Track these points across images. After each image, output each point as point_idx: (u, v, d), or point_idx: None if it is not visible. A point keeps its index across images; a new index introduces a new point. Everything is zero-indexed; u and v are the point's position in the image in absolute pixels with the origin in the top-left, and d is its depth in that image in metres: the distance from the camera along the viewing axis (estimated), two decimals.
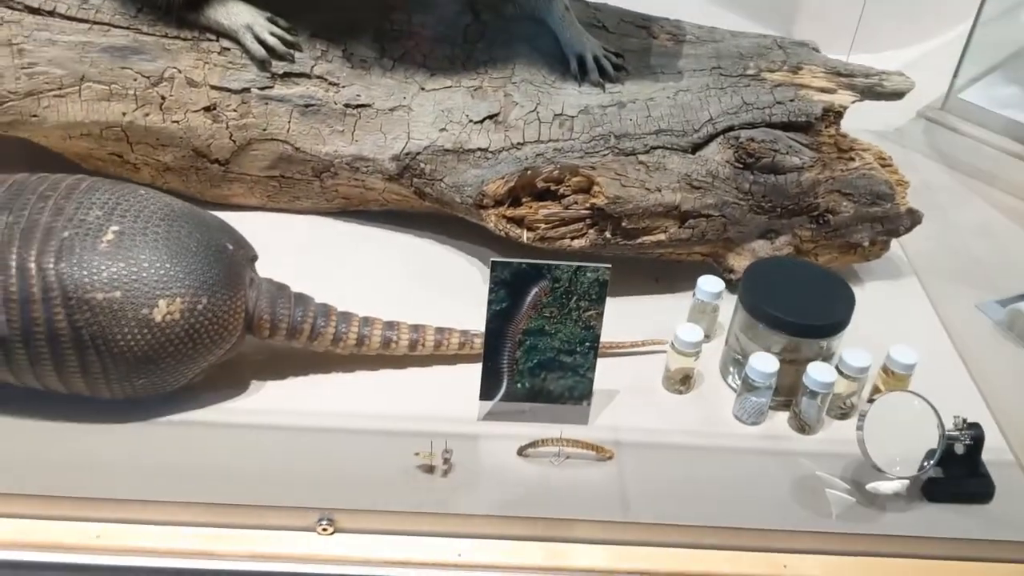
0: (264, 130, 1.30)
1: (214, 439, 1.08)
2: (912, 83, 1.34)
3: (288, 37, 1.28)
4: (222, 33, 1.26)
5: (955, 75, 1.84)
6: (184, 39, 1.27)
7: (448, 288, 1.29)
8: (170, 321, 1.01)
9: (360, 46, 1.32)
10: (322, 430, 1.10)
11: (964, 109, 1.81)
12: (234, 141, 1.30)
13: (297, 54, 1.28)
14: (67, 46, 1.24)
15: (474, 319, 1.13)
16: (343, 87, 1.30)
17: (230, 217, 1.15)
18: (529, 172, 1.23)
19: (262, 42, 1.26)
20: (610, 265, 1.04)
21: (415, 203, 1.35)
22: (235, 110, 1.29)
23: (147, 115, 1.27)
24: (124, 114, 1.27)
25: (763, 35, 1.39)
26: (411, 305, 1.18)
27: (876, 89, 1.33)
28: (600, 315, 1.06)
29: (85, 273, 0.98)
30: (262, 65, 1.27)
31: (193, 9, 1.24)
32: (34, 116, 1.25)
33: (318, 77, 1.30)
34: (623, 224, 1.22)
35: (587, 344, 1.07)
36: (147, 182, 1.35)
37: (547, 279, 1.05)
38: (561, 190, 1.23)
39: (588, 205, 1.22)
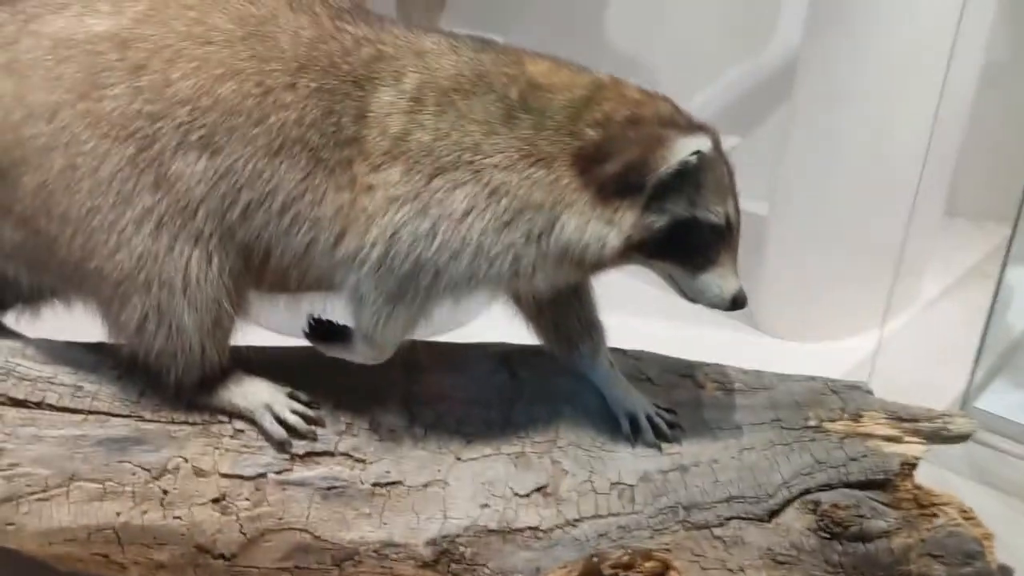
0: (280, 519, 1.13)
1: None
2: (976, 424, 1.27)
3: (310, 413, 1.14)
4: (237, 414, 1.13)
5: (970, 384, 1.80)
6: (192, 424, 1.12)
7: None
8: None
9: (387, 414, 1.19)
10: None
11: (986, 420, 1.75)
12: (244, 534, 1.12)
13: (319, 430, 1.15)
14: (56, 442, 1.08)
15: None
16: (370, 463, 1.16)
17: None
18: (595, 558, 1.09)
19: (282, 421, 1.12)
20: None
21: None
22: (247, 499, 1.12)
23: (144, 513, 1.09)
24: (118, 514, 1.08)
25: (810, 377, 1.32)
26: None
27: (942, 433, 1.24)
28: None
29: None
30: (281, 447, 1.13)
31: (205, 391, 1.11)
32: (10, 524, 1.06)
33: (343, 454, 1.15)
34: None
35: None
36: None
37: None
38: None
39: None
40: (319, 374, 1.20)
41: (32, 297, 1.22)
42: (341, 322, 1.18)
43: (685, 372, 1.30)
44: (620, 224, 1.00)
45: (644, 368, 1.29)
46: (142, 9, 0.99)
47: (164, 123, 0.98)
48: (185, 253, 1.01)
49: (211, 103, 0.98)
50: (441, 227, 1.01)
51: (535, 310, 1.19)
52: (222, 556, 1.15)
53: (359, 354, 1.12)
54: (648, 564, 1.08)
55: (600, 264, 1.05)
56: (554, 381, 1.24)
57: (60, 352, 1.14)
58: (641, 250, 1.02)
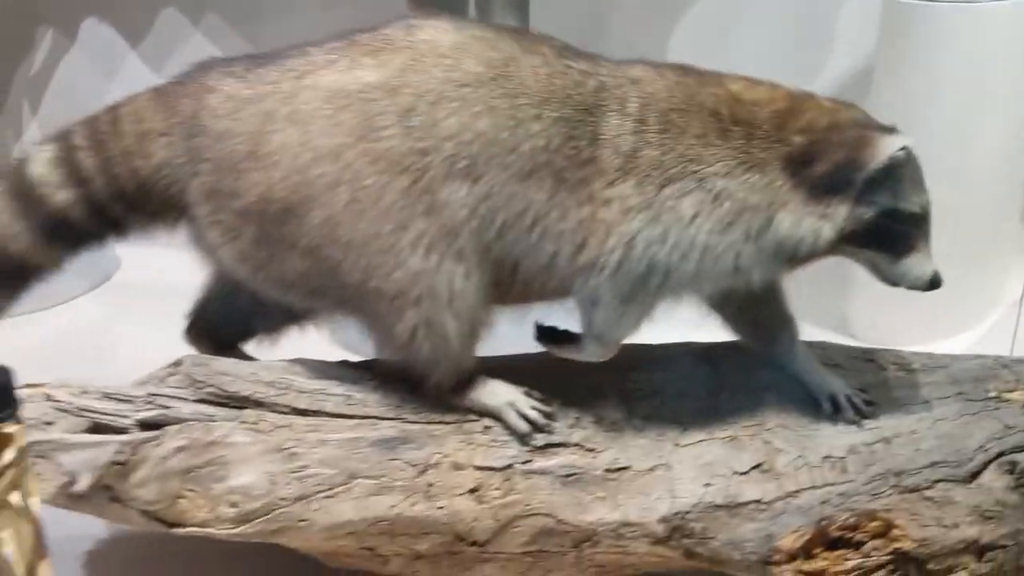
0: (527, 506, 1.26)
1: None
2: None
3: (545, 408, 1.27)
4: (485, 412, 1.26)
5: None
6: (448, 423, 1.26)
7: None
8: None
9: (608, 408, 1.32)
10: None
11: None
12: (497, 520, 1.25)
13: (554, 424, 1.28)
14: (337, 444, 1.22)
15: None
16: (600, 452, 1.28)
17: None
18: (823, 522, 1.20)
19: (524, 417, 1.26)
20: None
21: (676, 564, 1.29)
22: (498, 488, 1.25)
23: (413, 505, 1.23)
24: (392, 507, 1.22)
25: (978, 356, 1.43)
26: None
27: None
28: None
29: None
30: (524, 440, 1.26)
31: (459, 393, 1.25)
32: (303, 520, 1.20)
33: (575, 445, 1.28)
34: (928, 566, 1.18)
35: None
36: (395, 573, 1.29)
37: None
38: (857, 537, 1.19)
39: (891, 550, 1.18)
40: (543, 377, 1.33)
41: (282, 325, 1.37)
42: (561, 327, 1.32)
43: (867, 357, 1.42)
44: (833, 218, 1.13)
45: (831, 356, 1.41)
46: (403, 60, 1.15)
47: (433, 157, 1.13)
48: (451, 270, 1.15)
49: (472, 137, 1.13)
50: (672, 231, 1.14)
51: (735, 309, 1.32)
52: (475, 543, 1.28)
53: (588, 353, 1.25)
54: (872, 524, 1.19)
55: (811, 256, 1.18)
56: (754, 372, 1.36)
57: (322, 368, 1.28)
58: (850, 241, 1.15)
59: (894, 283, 1.20)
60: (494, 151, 1.14)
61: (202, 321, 1.37)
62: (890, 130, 1.17)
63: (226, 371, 1.24)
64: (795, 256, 1.18)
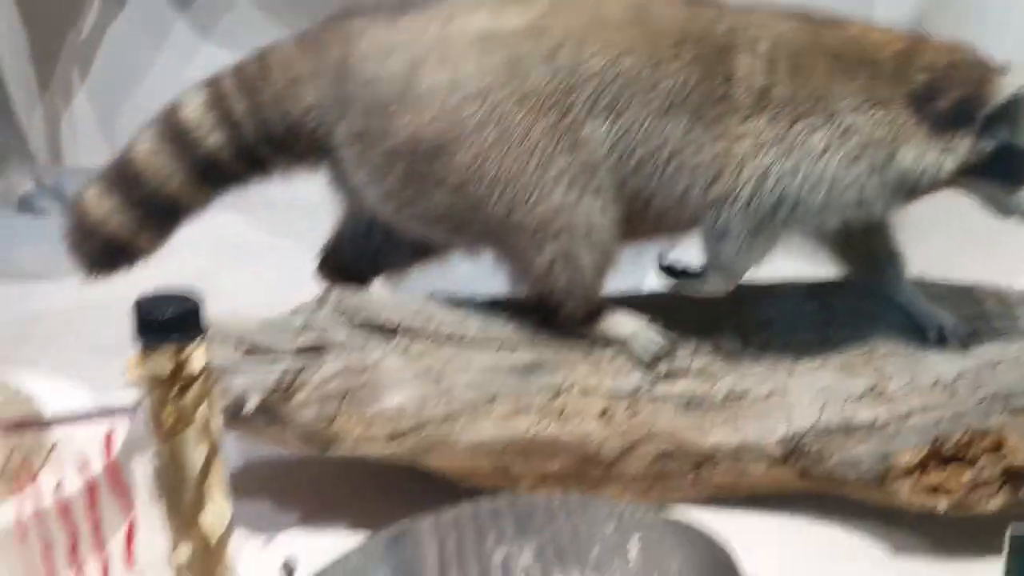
0: (651, 429, 1.34)
1: None
2: None
3: (667, 338, 1.35)
4: (612, 341, 1.34)
5: None
6: (578, 350, 1.34)
7: None
8: None
9: (724, 340, 1.39)
10: None
11: None
12: (623, 443, 1.33)
13: (675, 352, 1.35)
14: (479, 369, 1.30)
15: None
16: (719, 379, 1.36)
17: None
18: (938, 440, 1.27)
19: (648, 345, 1.33)
20: None
21: (790, 485, 1.37)
22: (624, 412, 1.33)
23: (548, 427, 1.31)
24: (528, 429, 1.30)
25: None
26: None
27: None
28: None
29: None
30: (648, 367, 1.34)
31: (589, 323, 1.32)
32: (449, 440, 1.28)
33: (696, 372, 1.36)
34: None
35: None
36: (524, 493, 1.37)
37: None
38: (970, 454, 1.27)
39: (1003, 466, 1.25)
40: (661, 312, 1.40)
41: (410, 263, 1.45)
42: (680, 264, 1.40)
43: (966, 291, 1.49)
44: (955, 151, 1.20)
45: (932, 290, 1.48)
46: (547, 4, 1.22)
47: (577, 95, 1.21)
48: (589, 204, 1.23)
49: (614, 75, 1.21)
50: (803, 165, 1.22)
51: (848, 242, 1.39)
52: (601, 464, 1.36)
53: (711, 285, 1.33)
54: (984, 441, 1.26)
55: (931, 188, 1.25)
56: (862, 304, 1.43)
57: (458, 301, 1.36)
58: (968, 174, 1.22)
59: (1009, 213, 1.26)
60: (635, 89, 1.21)
61: (335, 258, 1.45)
62: (1004, 68, 1.23)
63: (372, 301, 1.32)
64: (916, 188, 1.24)
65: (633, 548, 1.01)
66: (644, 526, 1.04)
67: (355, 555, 1.05)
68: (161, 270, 1.38)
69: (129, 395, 1.45)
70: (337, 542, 1.28)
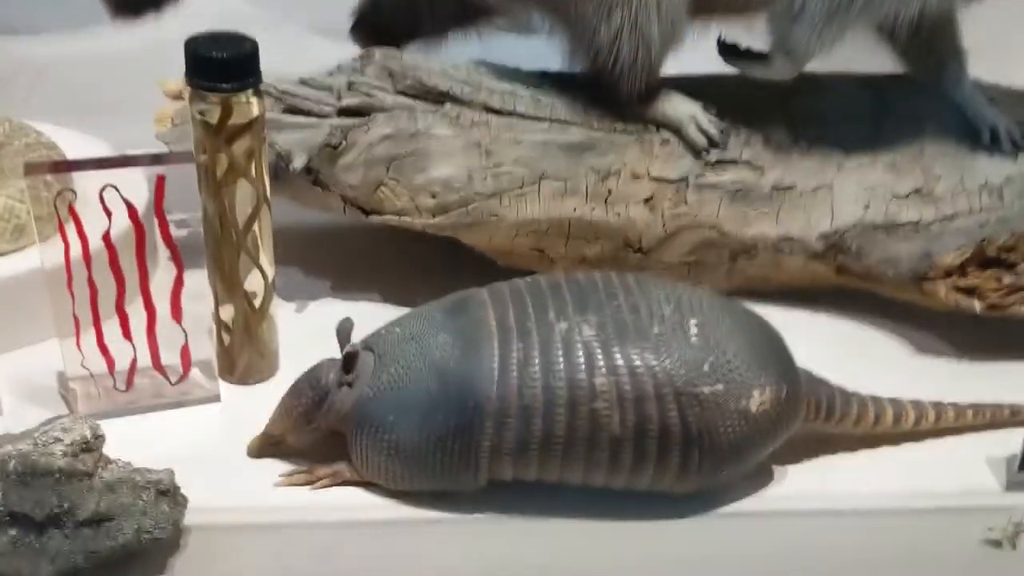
0: (695, 217, 1.32)
1: (755, 529, 1.08)
2: None
3: (720, 125, 1.31)
4: (666, 124, 1.29)
5: None
6: (629, 133, 1.29)
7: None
8: (763, 412, 1.01)
9: (775, 131, 1.35)
10: (861, 512, 1.11)
11: None
12: (665, 230, 1.32)
13: (727, 140, 1.32)
14: (529, 146, 1.25)
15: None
16: (767, 170, 1.33)
17: None
18: (984, 242, 1.27)
19: (702, 130, 1.29)
20: None
21: (823, 280, 1.38)
22: (671, 199, 1.31)
23: (593, 210, 1.28)
24: (575, 209, 1.27)
25: None
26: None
27: None
28: None
29: (689, 368, 0.99)
30: (698, 154, 1.30)
31: (645, 103, 1.27)
32: (494, 216, 1.25)
33: (744, 162, 1.33)
34: None
35: None
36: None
37: None
38: (1012, 259, 1.27)
39: None
40: (710, 97, 1.35)
41: (449, 28, 1.37)
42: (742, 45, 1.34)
43: (1020, 96, 1.46)
44: None
45: (989, 92, 1.44)
46: None
47: None
48: None
49: None
50: None
51: (907, 38, 1.33)
52: (640, 250, 1.35)
53: (775, 69, 1.27)
54: None
55: None
56: (916, 102, 1.39)
57: (507, 71, 1.30)
58: None
59: None
60: None
61: (371, 17, 1.37)
62: None
63: (418, 65, 1.25)
64: None
65: (692, 329, 1.01)
66: (703, 308, 1.03)
67: (413, 321, 1.03)
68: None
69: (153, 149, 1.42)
70: (370, 311, 1.28)
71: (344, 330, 1.02)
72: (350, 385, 1.00)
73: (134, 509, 0.90)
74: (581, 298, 1.02)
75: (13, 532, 0.88)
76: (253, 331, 1.14)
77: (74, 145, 1.35)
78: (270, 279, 1.13)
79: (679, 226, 1.32)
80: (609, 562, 1.02)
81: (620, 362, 0.97)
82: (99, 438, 0.93)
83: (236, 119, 1.01)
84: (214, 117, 1.00)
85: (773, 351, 1.05)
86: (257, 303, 1.13)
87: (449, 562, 1.01)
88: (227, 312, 1.13)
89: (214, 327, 1.14)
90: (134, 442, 1.02)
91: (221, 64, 0.97)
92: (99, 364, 1.08)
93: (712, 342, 1.00)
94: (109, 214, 0.98)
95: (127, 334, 1.05)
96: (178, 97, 1.26)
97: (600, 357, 0.97)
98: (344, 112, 1.20)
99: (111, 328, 1.06)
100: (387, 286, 1.35)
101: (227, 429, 1.11)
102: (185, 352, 1.09)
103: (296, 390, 1.03)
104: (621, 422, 0.96)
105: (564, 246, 1.31)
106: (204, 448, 1.08)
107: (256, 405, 1.13)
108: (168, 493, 0.93)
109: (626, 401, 0.97)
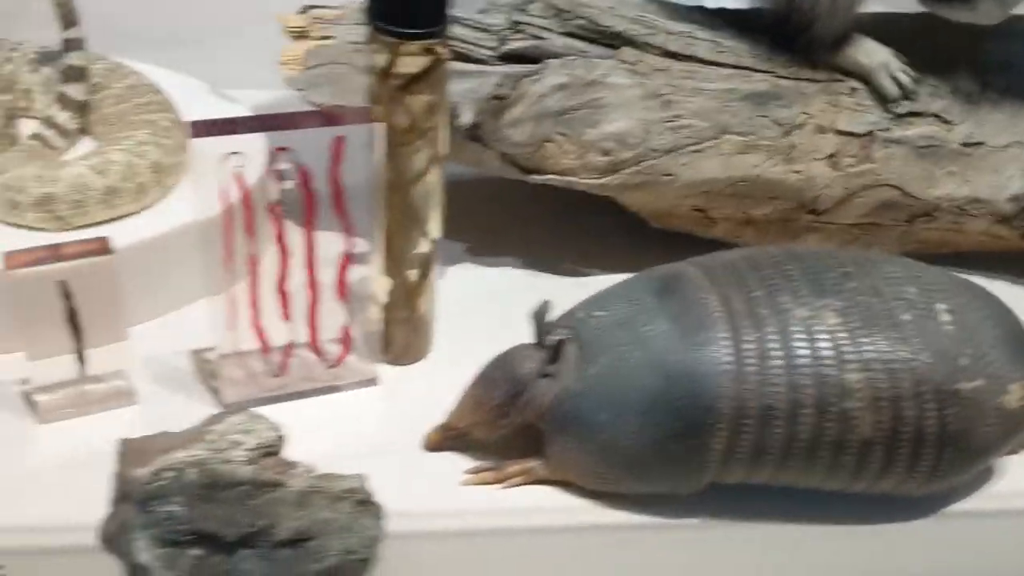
0: (879, 176, 1.19)
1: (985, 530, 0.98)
2: None
3: (912, 74, 1.17)
4: (855, 73, 1.15)
5: None
6: (816, 81, 1.15)
7: None
8: (1020, 407, 0.90)
9: (964, 80, 1.21)
10: None
11: None
12: (846, 189, 1.19)
13: (919, 90, 1.18)
14: (711, 95, 1.11)
15: None
16: (956, 124, 1.20)
17: None
18: None
19: (895, 80, 1.16)
20: None
21: (1003, 245, 1.26)
22: (854, 156, 1.18)
23: (774, 167, 1.15)
24: (755, 167, 1.14)
25: None
26: None
27: None
28: None
29: (947, 361, 0.87)
30: (889, 105, 1.17)
31: (834, 49, 1.13)
32: (667, 175, 1.11)
33: (934, 115, 1.19)
34: None
35: None
36: (718, 236, 1.23)
37: None
38: None
39: None
40: (892, 43, 1.22)
41: None
42: None
43: None
44: None
45: None
46: None
47: None
48: None
49: None
50: None
51: None
52: (813, 212, 1.22)
53: (980, 12, 1.13)
54: None
55: None
56: None
57: (679, 11, 1.15)
58: None
59: None
60: None
61: None
62: None
63: (587, 2, 1.10)
64: None
65: (944, 316, 0.89)
66: (947, 291, 0.91)
67: (618, 303, 0.90)
68: None
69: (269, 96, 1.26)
70: (524, 280, 1.16)
71: (541, 314, 0.90)
72: (552, 376, 0.88)
73: (335, 524, 0.78)
74: (813, 277, 0.89)
75: (198, 552, 0.76)
76: (414, 305, 1.01)
77: (172, 86, 1.20)
78: (435, 246, 0.99)
79: (861, 184, 1.19)
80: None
81: (873, 355, 0.85)
82: (281, 438, 0.81)
83: (421, 71, 0.86)
84: (405, 68, 0.85)
85: (1020, 337, 0.93)
86: (418, 275, 1.00)
87: (658, 572, 0.91)
88: (384, 285, 1.00)
89: (373, 303, 1.01)
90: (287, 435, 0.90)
91: (416, 7, 0.81)
92: (249, 344, 0.95)
93: (967, 331, 0.88)
94: (281, 179, 0.84)
95: (287, 314, 0.92)
96: (302, 36, 1.11)
97: (849, 350, 0.85)
98: (506, 58, 1.06)
99: (268, 306, 0.93)
100: (537, 248, 1.21)
101: (391, 417, 0.99)
102: (346, 333, 0.97)
103: (488, 381, 0.90)
104: (874, 424, 0.85)
105: (732, 207, 1.19)
106: (370, 440, 0.96)
107: (416, 388, 1.02)
108: (366, 503, 0.81)
109: (882, 400, 0.85)
